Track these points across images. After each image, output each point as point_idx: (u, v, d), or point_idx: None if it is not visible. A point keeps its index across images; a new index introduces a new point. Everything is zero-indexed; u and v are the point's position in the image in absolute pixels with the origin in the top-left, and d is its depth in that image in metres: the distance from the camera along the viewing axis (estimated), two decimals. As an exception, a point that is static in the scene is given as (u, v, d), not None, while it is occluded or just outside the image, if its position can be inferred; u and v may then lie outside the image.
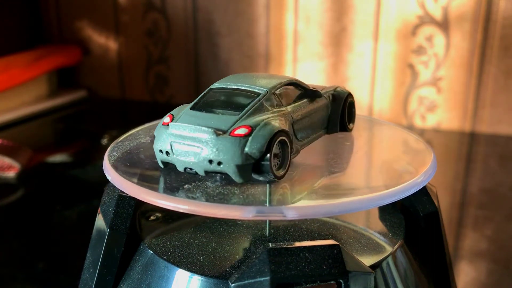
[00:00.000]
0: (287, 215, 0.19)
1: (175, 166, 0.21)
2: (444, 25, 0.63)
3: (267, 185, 0.22)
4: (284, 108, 0.22)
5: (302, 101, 0.24)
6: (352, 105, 0.27)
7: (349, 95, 0.27)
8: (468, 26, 0.62)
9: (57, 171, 0.53)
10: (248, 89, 0.22)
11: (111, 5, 0.77)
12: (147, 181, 0.22)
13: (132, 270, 0.22)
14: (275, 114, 0.21)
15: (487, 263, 0.37)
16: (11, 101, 0.68)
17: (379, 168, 0.25)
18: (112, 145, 0.25)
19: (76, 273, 0.25)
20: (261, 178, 0.21)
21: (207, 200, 0.19)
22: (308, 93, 0.24)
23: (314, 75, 0.70)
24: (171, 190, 0.21)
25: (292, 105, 0.23)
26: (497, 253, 0.38)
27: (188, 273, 0.20)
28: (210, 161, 0.20)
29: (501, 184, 0.51)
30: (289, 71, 0.71)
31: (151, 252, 0.22)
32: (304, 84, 0.25)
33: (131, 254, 0.22)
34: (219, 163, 0.20)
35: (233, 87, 0.23)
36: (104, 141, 0.60)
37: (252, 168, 0.20)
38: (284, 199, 0.21)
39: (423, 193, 0.25)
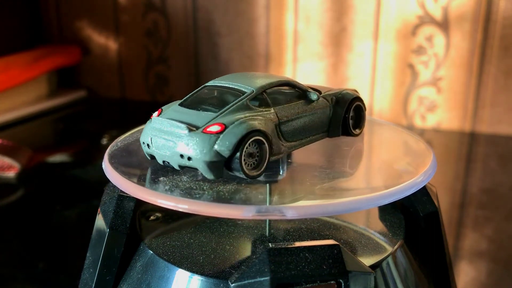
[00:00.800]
0: (286, 214, 0.19)
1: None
2: (444, 25, 0.63)
3: (267, 185, 0.22)
4: (270, 108, 0.22)
5: (295, 102, 0.23)
6: (360, 109, 0.26)
7: (356, 98, 0.26)
8: (468, 26, 0.62)
9: (57, 171, 0.53)
10: (236, 87, 0.22)
11: (111, 5, 0.77)
12: (146, 180, 0.22)
13: (132, 270, 0.22)
14: (258, 114, 0.21)
15: (487, 263, 0.37)
16: (11, 101, 0.68)
17: (379, 168, 0.25)
18: (112, 144, 0.25)
19: (76, 273, 0.25)
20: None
21: (181, 196, 0.20)
22: (304, 94, 0.24)
23: (314, 75, 0.70)
24: (153, 183, 0.21)
25: (281, 106, 0.23)
26: (497, 253, 0.38)
27: (188, 273, 0.20)
28: (182, 156, 0.20)
29: (501, 184, 0.51)
30: (289, 71, 0.71)
31: (151, 252, 0.22)
32: (301, 85, 0.24)
33: (131, 254, 0.22)
34: (189, 158, 0.20)
35: (224, 85, 0.23)
36: (104, 141, 0.60)
37: (226, 165, 0.20)
38: (284, 198, 0.21)
39: (423, 193, 0.25)
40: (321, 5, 0.67)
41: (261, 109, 0.22)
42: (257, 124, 0.21)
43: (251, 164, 0.21)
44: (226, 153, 0.20)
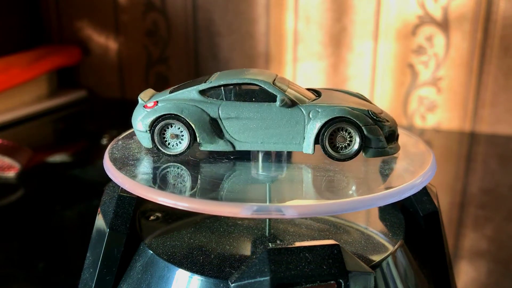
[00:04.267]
0: (286, 213, 0.19)
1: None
2: (444, 25, 0.63)
3: (267, 184, 0.22)
4: (219, 102, 0.23)
5: (254, 103, 0.23)
6: (347, 133, 0.23)
7: (342, 119, 0.23)
8: (468, 26, 0.62)
9: (57, 171, 0.53)
10: (208, 78, 0.24)
11: (111, 5, 0.77)
12: (147, 178, 0.22)
13: (132, 270, 0.22)
14: (198, 103, 0.23)
15: (487, 263, 0.37)
16: (11, 101, 0.68)
17: (379, 168, 0.25)
18: (112, 142, 0.26)
19: (76, 273, 0.25)
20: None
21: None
22: (276, 98, 0.23)
23: (314, 75, 0.70)
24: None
25: (232, 102, 0.23)
26: (497, 253, 0.38)
27: (188, 273, 0.20)
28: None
29: (501, 184, 0.51)
30: (289, 71, 0.71)
31: (151, 252, 0.22)
32: (274, 89, 0.23)
33: (131, 254, 0.22)
34: (132, 126, 0.24)
35: (210, 75, 0.25)
36: (104, 141, 0.60)
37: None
38: (283, 197, 0.21)
39: (423, 193, 0.25)
40: (321, 5, 0.67)
41: (209, 101, 0.23)
42: (176, 110, 0.23)
43: (174, 144, 0.23)
44: (145, 126, 0.23)
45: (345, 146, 0.23)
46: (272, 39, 0.71)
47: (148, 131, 0.23)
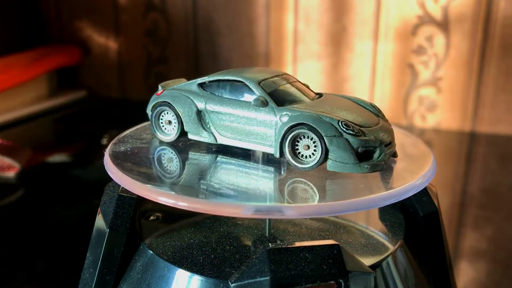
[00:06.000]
0: (286, 213, 0.19)
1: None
2: (444, 25, 0.63)
3: (267, 184, 0.22)
4: (209, 96, 0.25)
5: (237, 100, 0.24)
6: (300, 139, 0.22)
7: (305, 126, 0.22)
8: (468, 26, 0.62)
9: (57, 171, 0.53)
10: (212, 74, 0.26)
11: (111, 5, 0.77)
12: (147, 178, 0.22)
13: (132, 270, 0.22)
14: (192, 95, 0.25)
15: (487, 263, 0.37)
16: (11, 101, 0.68)
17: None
18: (113, 141, 0.26)
19: (76, 273, 0.25)
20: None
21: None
22: (256, 97, 0.23)
23: (314, 75, 0.70)
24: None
25: (218, 97, 0.24)
26: (497, 253, 0.38)
27: (188, 273, 0.20)
28: None
29: (501, 184, 0.51)
30: (289, 71, 0.71)
31: (151, 252, 0.22)
32: (257, 89, 0.23)
33: (131, 254, 0.22)
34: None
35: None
36: (104, 141, 0.60)
37: None
38: (284, 198, 0.21)
39: (423, 193, 0.25)
40: (321, 5, 0.67)
41: (202, 93, 0.25)
42: (170, 98, 0.25)
43: (169, 130, 0.26)
44: (149, 111, 0.26)
45: (310, 155, 0.22)
46: (272, 39, 0.71)
47: (150, 115, 0.26)
